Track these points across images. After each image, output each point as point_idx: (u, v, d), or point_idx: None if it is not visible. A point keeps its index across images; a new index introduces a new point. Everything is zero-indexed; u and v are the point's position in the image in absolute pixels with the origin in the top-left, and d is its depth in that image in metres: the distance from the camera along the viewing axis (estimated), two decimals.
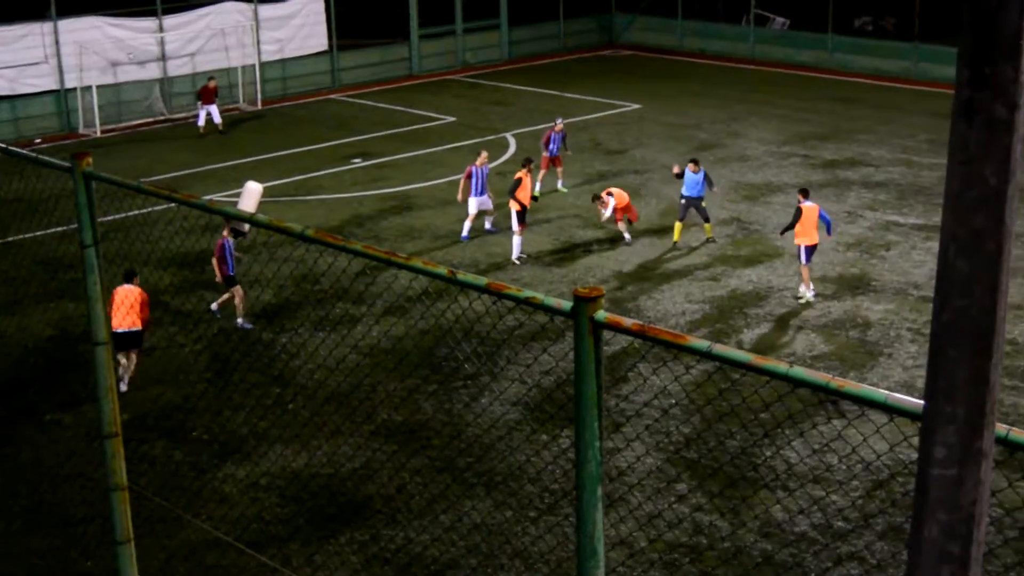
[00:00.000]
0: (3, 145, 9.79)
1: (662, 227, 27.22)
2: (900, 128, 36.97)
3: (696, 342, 4.92)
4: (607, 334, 5.21)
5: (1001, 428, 3.91)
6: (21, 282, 24.43)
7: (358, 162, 34.48)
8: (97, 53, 39.66)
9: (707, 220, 26.59)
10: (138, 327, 19.45)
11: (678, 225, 26.52)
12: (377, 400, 18.62)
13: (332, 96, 44.66)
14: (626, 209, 26.53)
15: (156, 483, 16.30)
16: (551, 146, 30.38)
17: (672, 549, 14.65)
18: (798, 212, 22.96)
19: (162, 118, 40.80)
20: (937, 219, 27.19)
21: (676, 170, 26.93)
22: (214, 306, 22.44)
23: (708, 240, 26.47)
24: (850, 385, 4.51)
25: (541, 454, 16.76)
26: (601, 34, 53.91)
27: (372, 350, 20.20)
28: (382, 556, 14.68)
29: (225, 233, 21.45)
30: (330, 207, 30.05)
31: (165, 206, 26.86)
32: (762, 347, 20.80)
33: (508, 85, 45.81)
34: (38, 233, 25.97)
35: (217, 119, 38.24)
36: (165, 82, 41.42)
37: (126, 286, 19.43)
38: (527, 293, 5.54)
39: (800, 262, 22.97)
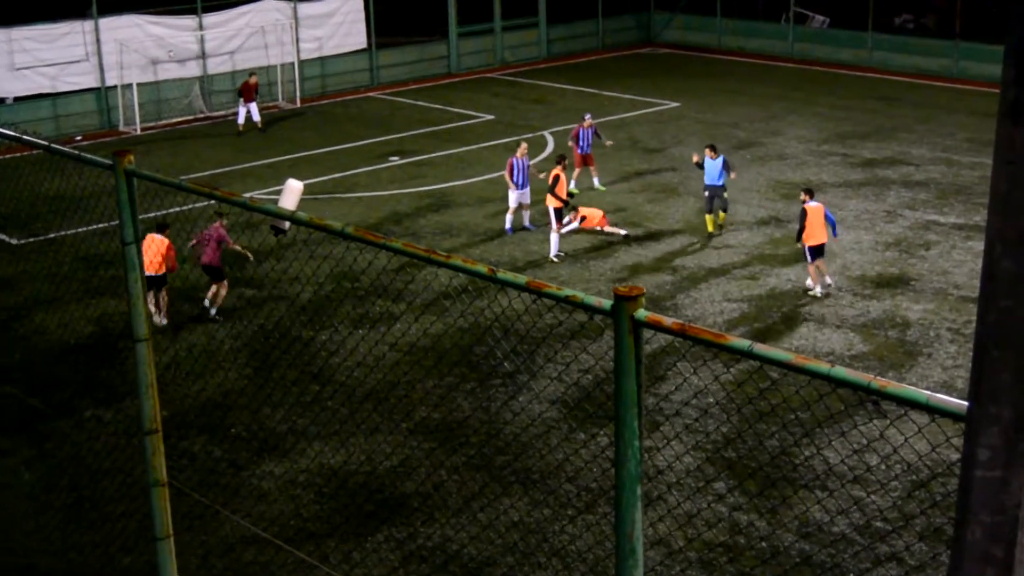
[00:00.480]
0: (45, 143, 9.85)
1: (700, 225, 27.14)
2: (940, 127, 36.75)
3: (737, 341, 4.90)
4: (646, 332, 5.19)
5: None
6: (62, 279, 24.60)
7: (396, 160, 34.54)
8: (137, 51, 39.89)
9: (724, 210, 26.68)
10: (161, 272, 21.52)
11: (708, 217, 26.63)
12: (415, 398, 18.65)
13: (371, 94, 44.75)
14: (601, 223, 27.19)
15: (195, 479, 16.38)
16: (582, 143, 30.25)
17: (710, 549, 14.60)
18: (803, 213, 22.94)
19: (202, 116, 41.00)
20: (977, 219, 27.03)
21: (696, 159, 27.06)
22: (207, 302, 22.69)
23: (719, 228, 26.56)
24: (892, 385, 4.48)
25: (579, 453, 16.73)
26: (639, 32, 53.80)
27: (411, 348, 20.23)
28: (419, 553, 14.69)
29: (221, 223, 22.29)
30: (368, 205, 30.11)
31: (205, 203, 27.02)
32: (800, 346, 20.72)
33: (546, 83, 45.79)
34: (79, 230, 26.13)
35: (256, 117, 38.39)
36: (205, 80, 41.62)
37: (156, 236, 21.50)
38: (567, 292, 5.53)
39: (806, 261, 23.06)
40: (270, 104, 41.84)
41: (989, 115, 35.69)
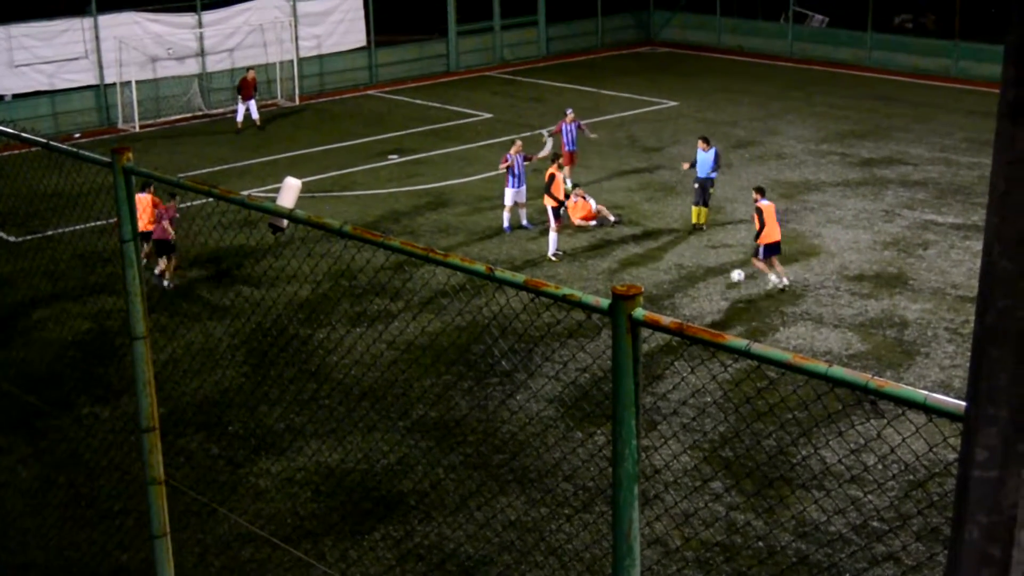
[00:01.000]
0: (44, 140, 9.84)
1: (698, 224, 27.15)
2: (939, 127, 36.75)
3: (734, 341, 4.89)
4: (644, 331, 5.18)
5: None
6: (60, 276, 24.59)
7: (394, 158, 34.53)
8: (136, 48, 39.87)
9: (706, 205, 26.79)
10: (148, 230, 22.89)
11: (695, 209, 26.82)
12: (412, 396, 18.64)
13: (369, 92, 44.74)
14: (584, 218, 27.53)
15: (192, 477, 16.38)
16: (566, 139, 30.21)
17: (707, 548, 14.60)
18: (759, 212, 23.17)
19: (200, 113, 41.00)
20: (976, 219, 27.03)
21: (685, 166, 27.42)
22: (157, 271, 23.96)
23: (696, 226, 26.67)
24: (889, 385, 4.48)
25: (576, 451, 16.73)
26: (639, 31, 53.81)
27: (408, 346, 20.23)
28: (416, 552, 14.69)
29: (175, 204, 23.93)
30: (365, 203, 30.10)
31: (203, 201, 26.99)
32: (798, 345, 20.72)
33: (545, 82, 45.78)
34: (77, 227, 26.11)
35: (255, 115, 38.39)
36: (203, 78, 41.60)
37: (140, 194, 22.56)
38: (565, 290, 5.52)
39: (757, 258, 23.36)
40: (269, 102, 41.83)
41: (988, 115, 35.70)
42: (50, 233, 26.84)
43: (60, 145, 9.57)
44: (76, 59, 39.46)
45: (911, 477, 15.93)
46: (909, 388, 4.43)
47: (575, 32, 52.05)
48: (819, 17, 49.83)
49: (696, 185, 26.75)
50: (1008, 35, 3.20)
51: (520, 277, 5.75)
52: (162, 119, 40.22)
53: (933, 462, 15.77)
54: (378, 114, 40.84)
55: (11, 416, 18.69)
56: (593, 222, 27.39)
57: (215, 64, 42.04)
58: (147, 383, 8.62)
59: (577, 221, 27.30)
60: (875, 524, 14.95)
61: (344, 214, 28.37)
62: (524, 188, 27.18)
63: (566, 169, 30.02)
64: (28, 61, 38.59)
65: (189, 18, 41.57)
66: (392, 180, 32.25)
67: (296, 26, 43.49)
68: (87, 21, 39.45)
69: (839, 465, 16.13)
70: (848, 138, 35.55)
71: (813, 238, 26.20)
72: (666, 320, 5.07)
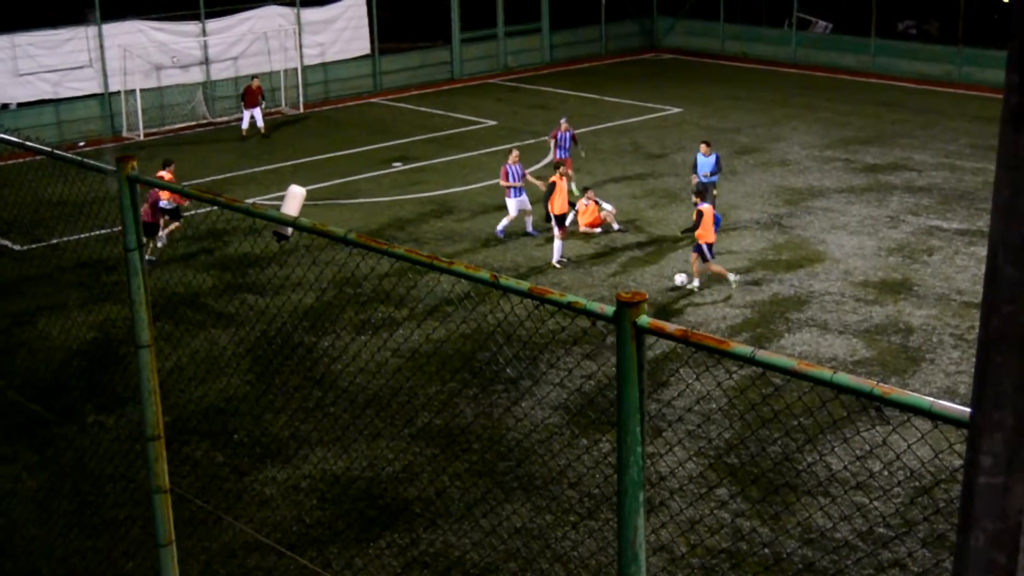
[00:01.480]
0: (48, 148, 9.85)
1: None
2: (943, 132, 36.74)
3: (740, 348, 4.89)
4: (649, 338, 5.18)
5: None
6: (65, 284, 24.61)
7: (398, 166, 34.54)
8: (140, 57, 39.92)
9: None
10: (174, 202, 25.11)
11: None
12: (418, 404, 18.64)
13: (373, 100, 44.77)
14: (591, 223, 27.55)
15: (197, 485, 16.37)
16: (559, 148, 30.23)
17: (712, 555, 14.58)
18: (700, 215, 23.57)
19: (205, 122, 41.03)
20: (980, 224, 27.02)
21: (695, 180, 27.50)
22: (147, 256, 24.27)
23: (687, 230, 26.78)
24: (895, 392, 4.47)
25: (581, 459, 16.72)
26: (643, 38, 53.83)
27: (413, 354, 20.22)
28: (421, 560, 14.68)
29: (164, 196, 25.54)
30: (369, 211, 30.11)
31: (207, 209, 27.01)
32: (803, 352, 20.71)
33: (549, 89, 45.80)
34: (81, 236, 26.13)
35: (260, 123, 38.43)
36: (208, 86, 41.65)
37: (161, 172, 24.51)
38: (569, 298, 5.52)
39: (694, 256, 23.70)
40: (273, 110, 41.85)
41: (992, 120, 35.72)
42: (55, 241, 26.87)
43: (65, 154, 9.58)
44: (80, 68, 39.51)
45: (917, 483, 15.91)
46: (914, 394, 4.42)
47: (579, 39, 52.08)
48: (823, 23, 49.84)
49: (695, 190, 26.68)
50: (1011, 41, 3.20)
51: (525, 284, 5.75)
52: (167, 127, 40.25)
53: (939, 468, 15.75)
54: (382, 122, 40.86)
55: (16, 424, 18.70)
56: (598, 229, 27.40)
57: (219, 72, 42.07)
58: (152, 391, 8.62)
59: (583, 228, 27.30)
60: (881, 531, 14.93)
61: (349, 222, 28.38)
62: (525, 196, 27.17)
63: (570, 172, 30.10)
64: (33, 70, 38.63)
65: (193, 26, 41.62)
66: (396, 187, 32.26)
67: (300, 34, 43.54)
68: (91, 30, 39.49)
69: (845, 472, 16.11)
70: (852, 144, 35.54)
71: (817, 244, 26.19)
72: (671, 327, 5.07)
